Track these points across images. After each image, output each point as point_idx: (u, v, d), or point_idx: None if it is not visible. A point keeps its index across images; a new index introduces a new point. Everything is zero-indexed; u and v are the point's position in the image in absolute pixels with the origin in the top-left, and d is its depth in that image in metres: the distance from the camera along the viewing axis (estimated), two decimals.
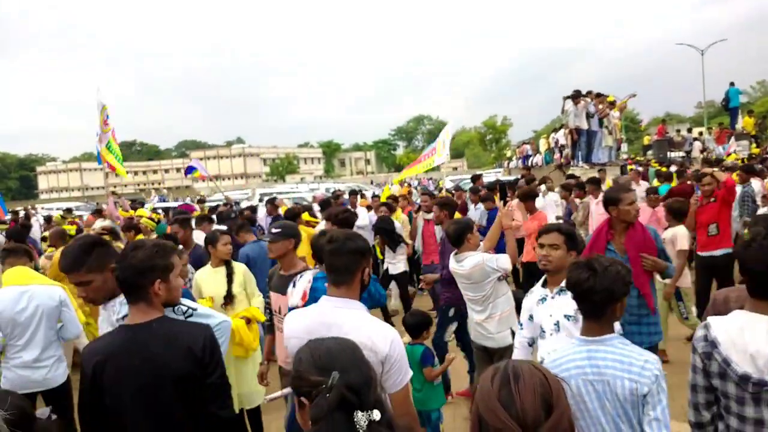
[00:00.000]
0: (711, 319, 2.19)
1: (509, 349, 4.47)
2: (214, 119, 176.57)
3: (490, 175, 29.71)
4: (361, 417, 1.39)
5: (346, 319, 2.42)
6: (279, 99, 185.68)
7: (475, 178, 13.15)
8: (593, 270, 2.27)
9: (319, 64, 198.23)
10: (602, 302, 2.26)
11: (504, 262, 4.42)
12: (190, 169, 14.92)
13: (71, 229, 9.91)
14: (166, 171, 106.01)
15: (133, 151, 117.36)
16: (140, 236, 7.71)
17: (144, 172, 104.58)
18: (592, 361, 2.23)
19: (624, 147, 27.32)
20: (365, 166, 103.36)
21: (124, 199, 14.46)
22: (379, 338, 2.33)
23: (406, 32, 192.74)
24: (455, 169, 73.28)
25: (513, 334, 4.51)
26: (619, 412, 2.19)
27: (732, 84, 24.17)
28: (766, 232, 2.12)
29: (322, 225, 7.48)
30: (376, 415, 1.41)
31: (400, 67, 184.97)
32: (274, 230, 4.03)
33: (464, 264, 4.50)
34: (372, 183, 44.03)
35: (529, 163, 26.02)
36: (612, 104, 16.52)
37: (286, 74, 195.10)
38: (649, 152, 25.99)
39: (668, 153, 23.25)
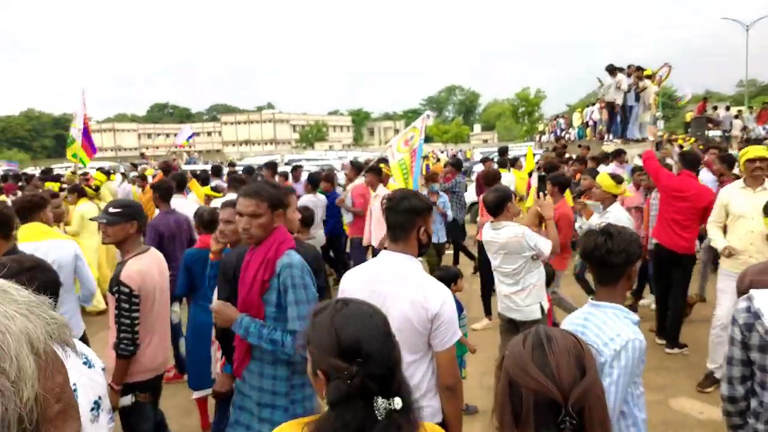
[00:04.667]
0: (754, 292, 2.14)
1: (538, 322, 4.45)
2: (245, 84, 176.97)
3: (521, 148, 29.40)
4: (381, 404, 1.38)
5: (402, 273, 2.54)
6: (311, 65, 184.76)
7: (503, 151, 12.95)
8: (609, 234, 2.27)
9: (352, 31, 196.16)
10: (620, 264, 2.26)
11: (544, 244, 4.38)
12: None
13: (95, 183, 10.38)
14: (197, 134, 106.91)
15: (165, 113, 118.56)
16: (84, 199, 8.40)
17: (176, 134, 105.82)
18: (585, 322, 2.28)
19: (660, 124, 26.58)
20: (394, 135, 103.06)
21: (151, 162, 14.76)
22: (432, 295, 2.44)
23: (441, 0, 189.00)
24: (485, 141, 72.69)
25: (542, 308, 4.53)
26: None
27: None
28: None
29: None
30: (398, 403, 1.39)
31: (433, 34, 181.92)
32: (111, 210, 3.43)
33: (501, 233, 4.44)
34: None
35: (563, 137, 25.62)
36: (650, 77, 16.01)
37: (317, 40, 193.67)
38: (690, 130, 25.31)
39: (707, 131, 22.59)
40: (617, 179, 5.93)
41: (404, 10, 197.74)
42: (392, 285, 2.51)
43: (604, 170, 8.62)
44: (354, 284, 2.62)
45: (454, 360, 2.55)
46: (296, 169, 11.79)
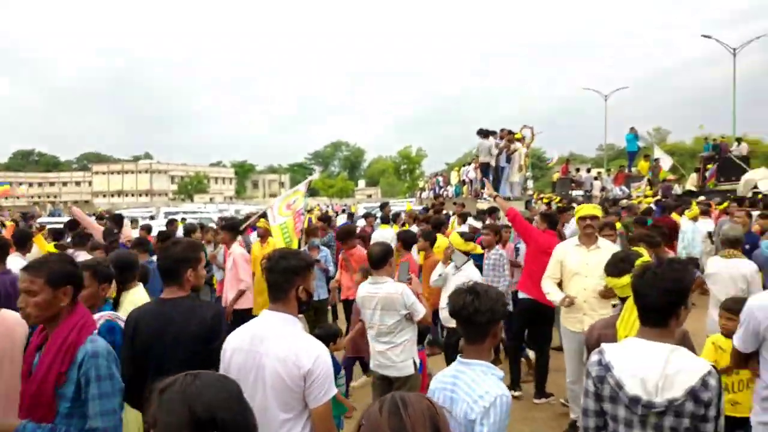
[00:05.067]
0: (605, 345, 2.28)
1: (411, 378, 4.46)
2: (121, 133, 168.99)
3: (402, 204, 30.22)
4: None
5: (277, 331, 2.56)
6: (192, 116, 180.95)
7: (383, 206, 13.38)
8: (476, 293, 2.35)
9: (236, 83, 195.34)
10: (486, 323, 2.33)
11: (420, 308, 4.43)
12: None
13: None
14: (65, 184, 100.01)
15: (30, 161, 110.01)
16: None
17: (40, 184, 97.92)
18: (455, 380, 2.33)
19: (530, 183, 28.55)
20: (279, 189, 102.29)
21: (6, 212, 13.54)
22: (304, 353, 2.48)
23: (326, 58, 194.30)
24: (370, 196, 74.05)
25: (414, 363, 4.53)
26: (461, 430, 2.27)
27: (632, 130, 26.04)
28: (658, 264, 2.24)
29: None
30: None
31: (319, 91, 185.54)
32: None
33: (381, 288, 4.44)
34: None
35: (441, 194, 26.70)
36: (520, 141, 17.24)
37: (200, 91, 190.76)
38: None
39: (570, 191, 24.58)
40: (465, 237, 6.10)
41: (292, 64, 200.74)
42: (267, 344, 2.52)
43: (457, 228, 9.14)
44: (234, 344, 2.62)
45: (329, 417, 2.52)
46: (171, 223, 11.29)
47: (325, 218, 10.97)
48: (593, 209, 5.28)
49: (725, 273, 5.30)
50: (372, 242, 7.28)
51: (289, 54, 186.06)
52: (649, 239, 6.10)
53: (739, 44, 33.15)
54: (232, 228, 7.46)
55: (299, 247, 7.38)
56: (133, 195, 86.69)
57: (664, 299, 2.18)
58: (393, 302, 4.39)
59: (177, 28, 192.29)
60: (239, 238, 7.59)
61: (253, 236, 9.31)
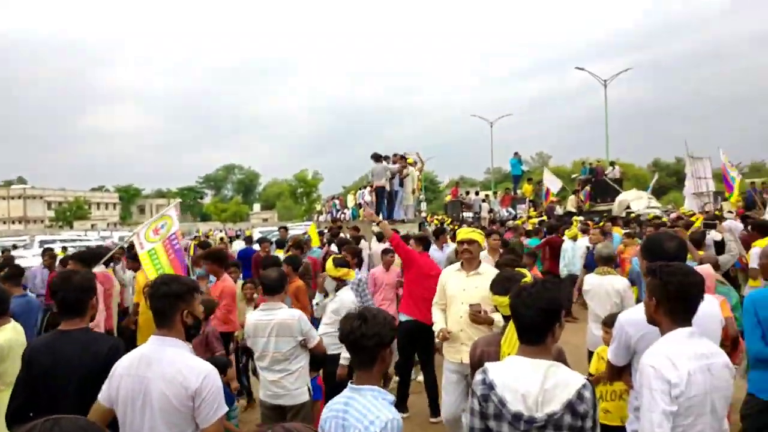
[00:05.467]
0: (489, 365, 2.37)
1: (306, 405, 4.40)
2: None
3: (300, 228, 29.95)
4: None
5: (164, 355, 2.60)
6: (73, 137, 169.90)
7: (284, 229, 13.18)
8: (364, 318, 2.38)
9: (122, 102, 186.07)
10: (373, 347, 2.36)
11: (315, 334, 4.44)
12: None
13: None
14: None
15: None
16: None
17: None
18: (347, 407, 2.33)
19: (424, 206, 29.37)
20: None
21: None
22: (191, 373, 2.53)
23: (218, 76, 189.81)
24: (266, 220, 72.80)
25: (309, 391, 4.49)
26: None
27: (515, 154, 27.61)
28: (533, 283, 2.37)
29: None
30: None
31: (214, 112, 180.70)
32: None
33: (276, 314, 4.35)
34: None
35: (338, 217, 26.75)
36: (412, 165, 17.71)
37: (82, 111, 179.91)
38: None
39: (461, 212, 25.55)
40: (336, 262, 5.83)
41: (183, 83, 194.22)
42: (154, 367, 2.57)
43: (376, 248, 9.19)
44: (121, 370, 2.65)
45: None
46: (46, 252, 10.28)
47: (203, 245, 10.55)
48: (470, 233, 5.01)
49: (600, 289, 5.69)
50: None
51: (181, 73, 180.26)
52: (513, 263, 6.26)
53: (610, 76, 36.27)
54: (82, 260, 6.96)
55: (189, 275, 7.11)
56: (4, 222, 79.68)
57: (539, 318, 2.29)
58: (290, 328, 4.33)
59: (56, 39, 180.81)
60: (102, 268, 7.15)
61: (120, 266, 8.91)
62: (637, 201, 20.58)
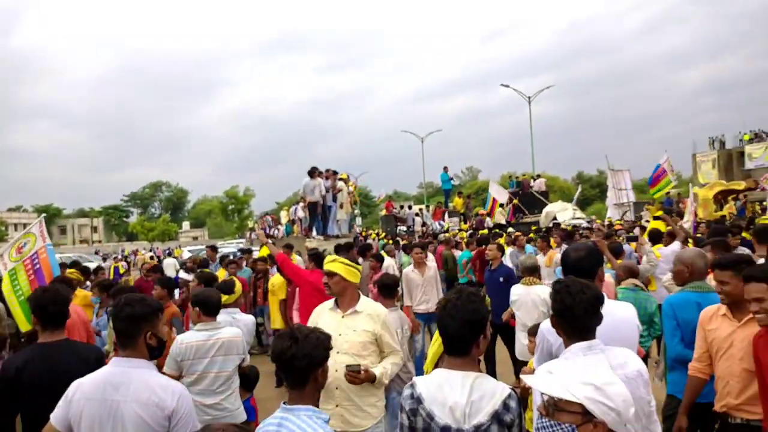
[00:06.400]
0: (416, 378, 2.41)
1: (249, 424, 4.37)
2: None
3: (231, 246, 29.37)
4: None
5: (132, 377, 2.57)
6: None
7: (211, 248, 12.91)
8: (295, 338, 2.36)
9: (39, 118, 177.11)
10: (305, 368, 2.34)
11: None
12: None
13: None
14: None
15: None
16: None
17: None
18: (280, 428, 2.26)
19: (358, 220, 29.45)
20: (91, 234, 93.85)
21: None
22: (166, 393, 2.55)
23: (144, 92, 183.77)
24: (196, 238, 70.91)
25: (247, 410, 4.45)
26: None
27: (445, 169, 28.14)
28: (458, 296, 2.41)
29: None
30: None
31: (139, 128, 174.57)
32: None
33: (222, 333, 4.27)
34: (98, 253, 40.04)
35: (272, 234, 26.42)
36: (344, 181, 17.77)
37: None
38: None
39: (395, 226, 25.77)
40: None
41: (103, 96, 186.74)
42: (123, 390, 2.54)
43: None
44: (83, 393, 2.57)
45: None
46: None
47: (155, 269, 10.15)
48: (331, 265, 3.87)
49: (527, 298, 5.87)
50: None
51: (102, 89, 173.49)
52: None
53: (533, 93, 37.70)
54: None
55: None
56: None
57: (464, 329, 2.34)
58: (236, 346, 4.29)
59: None
60: None
61: None
62: (563, 212, 21.39)
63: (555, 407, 1.78)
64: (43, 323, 3.29)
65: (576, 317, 2.44)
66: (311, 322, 3.85)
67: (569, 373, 1.82)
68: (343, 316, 3.78)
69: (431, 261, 8.99)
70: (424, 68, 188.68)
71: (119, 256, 33.34)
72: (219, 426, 1.82)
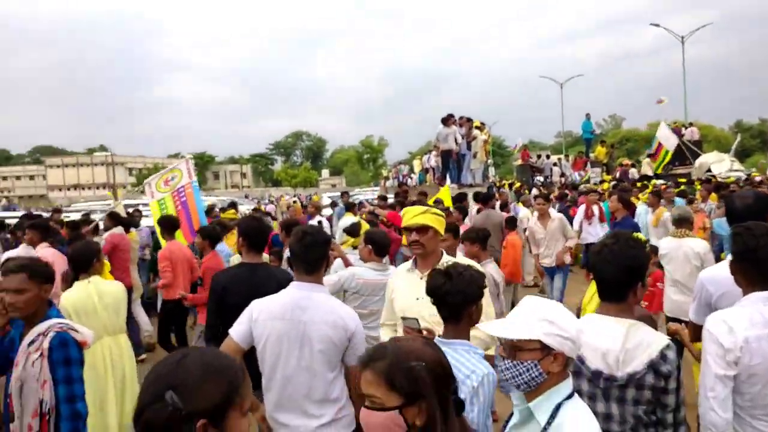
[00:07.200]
0: None
1: None
2: (73, 125, 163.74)
3: (367, 193, 30.22)
4: None
5: (317, 301, 2.85)
6: (149, 106, 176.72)
7: (343, 194, 13.69)
8: (449, 275, 2.39)
9: (193, 72, 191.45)
10: (458, 304, 2.37)
11: None
12: None
13: None
14: (18, 178, 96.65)
15: None
16: None
17: None
18: None
19: (492, 170, 28.89)
20: (241, 179, 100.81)
21: None
22: (349, 317, 2.85)
23: (283, 45, 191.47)
24: (334, 186, 73.74)
25: None
26: None
27: (587, 116, 26.53)
28: (615, 240, 2.30)
29: None
30: None
31: (280, 80, 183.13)
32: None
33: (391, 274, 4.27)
34: (247, 197, 42.99)
35: (405, 182, 26.78)
36: (479, 128, 17.39)
37: (157, 81, 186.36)
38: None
39: (531, 177, 24.99)
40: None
41: (249, 54, 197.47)
42: (310, 313, 2.79)
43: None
44: (270, 313, 2.81)
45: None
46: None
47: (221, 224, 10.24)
48: (422, 217, 3.23)
49: (678, 252, 5.45)
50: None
51: (245, 44, 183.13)
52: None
53: (688, 32, 34.06)
54: (38, 227, 6.55)
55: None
56: (90, 188, 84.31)
57: (620, 274, 2.23)
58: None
59: (128, 13, 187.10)
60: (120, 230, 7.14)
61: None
62: (719, 164, 19.43)
63: (515, 348, 1.79)
64: (248, 246, 3.80)
65: (760, 260, 2.28)
66: (388, 290, 3.47)
67: (521, 315, 1.82)
68: (421, 278, 3.11)
69: (555, 213, 8.64)
70: (560, 6, 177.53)
71: (266, 201, 35.55)
72: (408, 335, 2.03)
